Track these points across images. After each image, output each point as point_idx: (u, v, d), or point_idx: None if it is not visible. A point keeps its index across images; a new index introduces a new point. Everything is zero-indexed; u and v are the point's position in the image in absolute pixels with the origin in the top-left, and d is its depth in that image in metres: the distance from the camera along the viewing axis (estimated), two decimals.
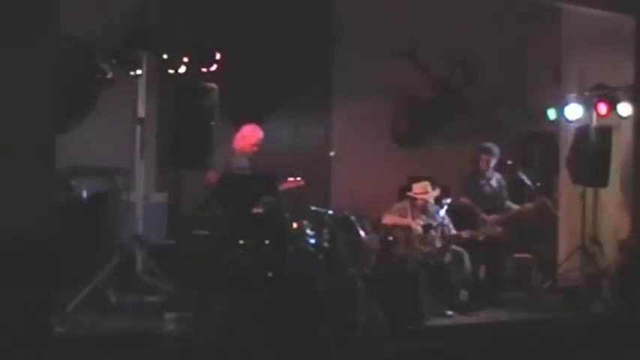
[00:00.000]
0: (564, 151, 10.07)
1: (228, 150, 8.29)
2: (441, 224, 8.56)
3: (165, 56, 7.52)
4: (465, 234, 8.65)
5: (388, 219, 8.58)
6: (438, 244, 8.46)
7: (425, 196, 8.59)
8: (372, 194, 8.84)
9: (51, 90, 5.99)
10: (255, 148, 8.35)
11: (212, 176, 7.83)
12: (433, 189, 8.68)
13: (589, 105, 9.53)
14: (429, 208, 8.64)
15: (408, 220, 8.54)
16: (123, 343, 6.36)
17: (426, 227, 8.48)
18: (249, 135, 8.35)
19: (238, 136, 8.36)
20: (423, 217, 8.62)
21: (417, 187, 8.68)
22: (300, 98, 9.99)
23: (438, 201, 8.69)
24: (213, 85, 7.63)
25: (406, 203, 8.71)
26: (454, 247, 8.51)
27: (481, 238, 8.85)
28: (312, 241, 7.78)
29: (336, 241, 7.92)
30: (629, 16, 9.68)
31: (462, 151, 10.26)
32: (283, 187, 8.39)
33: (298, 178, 8.50)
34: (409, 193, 8.68)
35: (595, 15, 9.68)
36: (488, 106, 10.80)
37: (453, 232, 8.67)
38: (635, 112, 9.52)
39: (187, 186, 9.13)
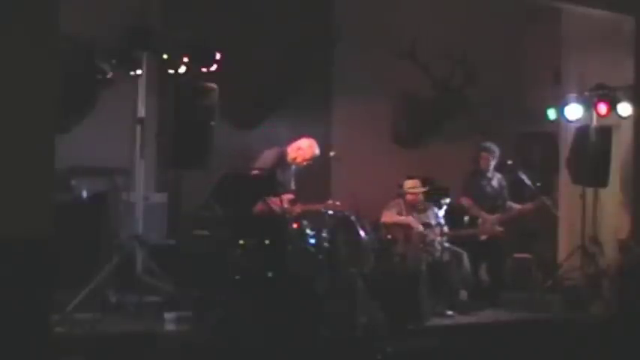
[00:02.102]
0: (564, 151, 10.07)
1: (275, 155, 8.13)
2: (439, 224, 8.57)
3: (165, 56, 7.51)
4: (464, 231, 8.66)
5: (387, 217, 8.60)
6: (438, 243, 8.47)
7: (414, 191, 8.62)
8: (372, 194, 8.82)
9: (51, 90, 5.98)
10: (305, 163, 8.21)
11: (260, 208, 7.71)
12: (424, 186, 8.70)
13: (589, 105, 9.53)
14: (419, 206, 8.65)
15: (408, 219, 8.56)
16: (123, 343, 6.37)
17: (426, 226, 8.49)
18: (306, 149, 8.16)
19: (294, 145, 8.19)
20: (414, 214, 8.64)
21: (407, 184, 8.76)
22: (300, 98, 9.97)
23: (437, 201, 8.70)
24: (213, 85, 7.63)
25: (400, 200, 8.75)
26: (454, 246, 8.52)
27: (483, 237, 8.87)
28: (312, 241, 7.76)
29: (336, 241, 7.90)
30: (629, 16, 9.69)
31: (462, 150, 10.25)
32: (322, 206, 8.26)
33: (337, 203, 8.28)
34: (400, 190, 8.73)
35: (595, 15, 9.68)
36: (488, 106, 10.80)
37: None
38: (635, 112, 9.52)
39: (187, 186, 9.14)
